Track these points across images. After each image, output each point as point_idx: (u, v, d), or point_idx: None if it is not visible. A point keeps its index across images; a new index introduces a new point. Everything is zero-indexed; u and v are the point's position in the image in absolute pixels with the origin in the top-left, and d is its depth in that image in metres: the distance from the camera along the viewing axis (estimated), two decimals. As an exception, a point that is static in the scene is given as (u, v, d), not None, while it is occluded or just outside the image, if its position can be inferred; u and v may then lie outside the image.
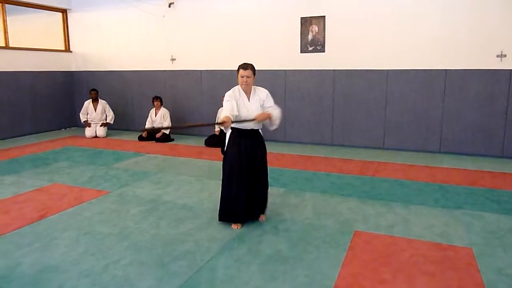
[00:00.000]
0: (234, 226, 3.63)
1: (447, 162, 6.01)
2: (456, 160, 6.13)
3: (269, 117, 3.58)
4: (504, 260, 3.01)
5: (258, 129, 3.69)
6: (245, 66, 3.56)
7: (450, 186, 4.84)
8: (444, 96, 6.51)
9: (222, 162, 3.73)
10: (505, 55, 6.08)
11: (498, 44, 6.10)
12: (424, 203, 4.24)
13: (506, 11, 5.98)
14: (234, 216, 3.62)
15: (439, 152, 6.68)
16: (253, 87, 3.66)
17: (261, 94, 3.67)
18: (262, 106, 3.65)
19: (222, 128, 3.81)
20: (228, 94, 3.58)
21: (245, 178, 3.58)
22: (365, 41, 6.85)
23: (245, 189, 3.58)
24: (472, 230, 3.55)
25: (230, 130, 3.66)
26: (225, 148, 3.72)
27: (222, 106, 7.54)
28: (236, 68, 3.58)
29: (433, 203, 4.26)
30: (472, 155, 6.47)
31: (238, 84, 3.65)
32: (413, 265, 2.94)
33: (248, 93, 3.64)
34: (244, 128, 3.60)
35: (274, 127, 3.69)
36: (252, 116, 3.52)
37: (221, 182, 3.72)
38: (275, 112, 3.63)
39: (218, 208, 3.73)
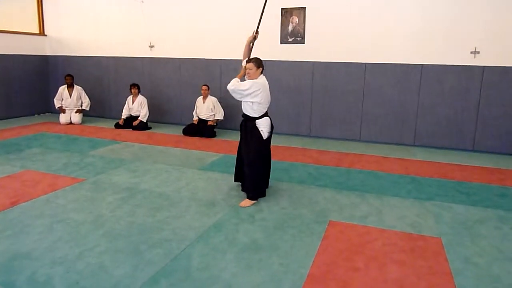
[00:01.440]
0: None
1: (420, 155, 6.17)
2: (429, 153, 6.30)
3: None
4: (471, 249, 3.14)
5: (252, 116, 4.03)
6: (248, 60, 4.01)
7: (422, 178, 4.98)
8: (420, 91, 6.66)
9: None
10: (478, 52, 6.25)
11: (472, 41, 6.26)
12: (397, 195, 4.36)
13: (481, 10, 6.13)
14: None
15: (413, 145, 6.85)
16: (260, 76, 4.02)
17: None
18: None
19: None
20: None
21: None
22: (344, 34, 6.91)
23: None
24: (441, 221, 3.68)
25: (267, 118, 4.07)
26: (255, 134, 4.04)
27: (200, 95, 7.56)
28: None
29: (405, 194, 4.38)
30: (444, 148, 6.66)
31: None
32: (385, 254, 3.03)
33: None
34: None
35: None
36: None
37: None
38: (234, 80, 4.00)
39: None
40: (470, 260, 2.96)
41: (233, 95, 3.94)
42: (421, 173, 5.18)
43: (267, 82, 4.03)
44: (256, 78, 3.95)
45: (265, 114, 4.04)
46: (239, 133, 4.23)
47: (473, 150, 6.53)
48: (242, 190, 4.25)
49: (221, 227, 3.43)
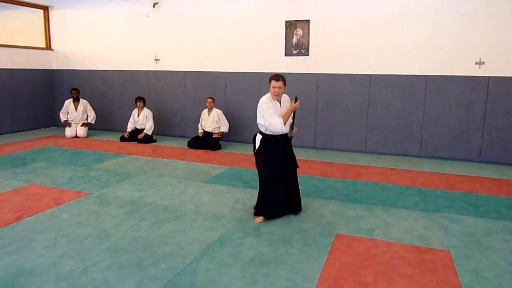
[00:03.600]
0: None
1: (427, 166, 6.12)
2: (435, 164, 6.25)
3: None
4: (481, 262, 3.08)
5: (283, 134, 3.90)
6: (276, 78, 3.77)
7: (429, 189, 4.93)
8: (425, 101, 6.63)
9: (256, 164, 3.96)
10: (483, 63, 6.23)
11: (477, 52, 6.25)
12: (404, 207, 4.31)
13: (485, 21, 6.13)
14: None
15: (419, 156, 6.79)
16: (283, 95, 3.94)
17: (283, 101, 3.96)
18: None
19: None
20: (266, 102, 3.82)
21: (282, 179, 3.95)
22: (349, 46, 6.93)
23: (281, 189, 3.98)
24: (450, 233, 3.62)
25: (260, 136, 3.93)
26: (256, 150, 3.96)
27: (205, 108, 7.58)
28: (268, 79, 3.81)
29: (412, 206, 4.33)
30: (450, 159, 6.60)
31: (269, 93, 3.85)
32: (393, 267, 2.98)
33: (279, 101, 3.90)
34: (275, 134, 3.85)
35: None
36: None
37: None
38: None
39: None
40: (480, 274, 2.90)
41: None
42: (428, 185, 5.12)
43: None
44: (281, 97, 3.90)
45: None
46: (251, 148, 4.13)
47: (480, 161, 6.46)
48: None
49: (226, 241, 3.39)
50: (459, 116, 6.48)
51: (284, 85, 3.80)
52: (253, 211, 3.99)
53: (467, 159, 6.53)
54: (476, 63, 6.26)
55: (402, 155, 6.88)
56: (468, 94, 6.37)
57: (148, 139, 7.88)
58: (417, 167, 6.06)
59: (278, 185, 3.89)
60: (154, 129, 8.05)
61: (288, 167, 3.99)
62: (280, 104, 3.88)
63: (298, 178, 4.12)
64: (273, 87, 3.75)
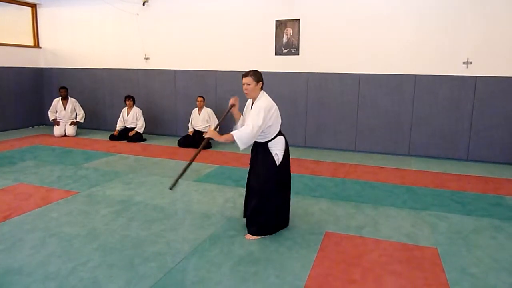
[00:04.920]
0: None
1: (415, 165, 6.18)
2: (424, 163, 6.32)
3: (224, 139, 3.30)
4: (468, 259, 3.13)
5: (260, 141, 3.43)
6: (245, 73, 3.37)
7: (417, 188, 4.98)
8: (414, 101, 6.70)
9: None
10: (470, 62, 6.31)
11: (464, 52, 6.33)
12: (393, 205, 4.35)
13: (473, 21, 6.21)
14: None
15: (408, 155, 6.86)
16: (260, 93, 3.42)
17: (256, 103, 3.37)
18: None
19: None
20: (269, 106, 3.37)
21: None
22: (339, 45, 6.97)
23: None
24: (437, 231, 3.67)
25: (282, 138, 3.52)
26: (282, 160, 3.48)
27: (196, 107, 7.57)
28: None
29: (401, 204, 4.37)
30: (439, 158, 6.68)
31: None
32: (381, 265, 3.02)
33: (254, 100, 3.44)
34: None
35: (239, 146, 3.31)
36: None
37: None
38: (238, 132, 3.26)
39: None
40: (466, 271, 2.95)
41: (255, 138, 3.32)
42: (417, 183, 5.18)
43: (270, 98, 3.44)
44: (256, 96, 3.39)
45: (279, 133, 3.48)
46: (244, 152, 3.72)
47: (467, 160, 6.55)
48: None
49: (216, 240, 3.40)
50: (447, 115, 6.55)
51: (257, 80, 3.35)
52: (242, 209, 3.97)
53: (456, 158, 6.61)
54: (464, 62, 6.34)
55: (391, 154, 6.94)
56: (456, 94, 6.45)
57: (138, 138, 7.84)
58: (406, 166, 6.12)
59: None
60: (145, 128, 8.02)
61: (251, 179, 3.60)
62: (251, 105, 3.43)
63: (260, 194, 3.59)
64: (242, 84, 3.38)
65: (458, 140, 6.56)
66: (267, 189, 3.42)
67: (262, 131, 3.33)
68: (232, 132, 3.28)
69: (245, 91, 3.38)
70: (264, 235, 3.45)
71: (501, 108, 6.26)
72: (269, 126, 3.36)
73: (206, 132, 7.36)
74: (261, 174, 3.44)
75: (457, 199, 4.58)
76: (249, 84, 3.35)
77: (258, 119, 3.24)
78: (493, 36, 6.15)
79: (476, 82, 6.33)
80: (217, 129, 3.78)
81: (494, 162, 6.40)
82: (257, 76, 3.37)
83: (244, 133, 3.23)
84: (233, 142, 3.28)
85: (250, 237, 3.44)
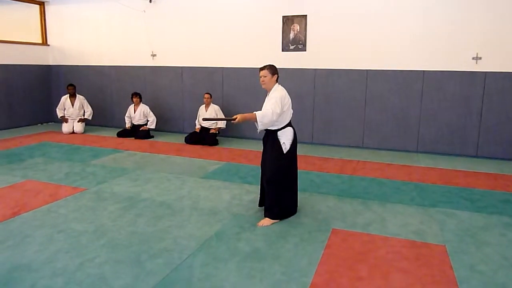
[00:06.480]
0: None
1: (424, 162, 6.13)
2: (432, 160, 6.26)
3: (249, 118, 3.54)
4: (476, 257, 3.09)
5: (271, 129, 3.71)
6: (262, 67, 3.69)
7: (426, 184, 4.94)
8: (422, 97, 6.64)
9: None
10: (480, 58, 6.23)
11: (474, 47, 6.25)
12: (401, 202, 4.32)
13: (482, 16, 6.12)
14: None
15: (416, 151, 6.81)
16: (276, 85, 3.71)
17: (271, 94, 3.68)
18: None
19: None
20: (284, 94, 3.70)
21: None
22: (346, 41, 6.92)
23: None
24: (446, 228, 3.63)
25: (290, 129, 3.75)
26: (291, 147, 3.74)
27: (203, 104, 7.58)
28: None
29: (409, 201, 4.34)
30: (447, 154, 6.61)
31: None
32: (389, 262, 2.99)
33: (269, 92, 3.74)
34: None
35: (259, 128, 3.61)
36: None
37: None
38: (260, 113, 3.52)
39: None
40: (475, 268, 2.92)
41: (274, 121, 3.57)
42: (425, 180, 5.14)
43: (284, 90, 3.72)
44: (272, 87, 3.68)
45: (288, 124, 3.72)
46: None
47: (476, 156, 6.48)
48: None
49: (223, 236, 3.40)
50: (456, 111, 6.48)
51: (272, 73, 3.66)
52: (250, 206, 3.98)
53: (464, 154, 6.55)
54: (473, 58, 6.26)
55: (399, 150, 6.89)
56: (465, 90, 6.38)
57: (145, 135, 7.87)
58: (414, 162, 6.07)
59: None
60: (156, 123, 8.06)
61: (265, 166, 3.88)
62: (267, 95, 3.74)
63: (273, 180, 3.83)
64: (259, 77, 3.71)
65: (467, 136, 6.50)
66: (276, 175, 3.67)
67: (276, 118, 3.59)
68: (255, 112, 3.51)
69: (262, 83, 3.69)
70: (280, 218, 3.71)
71: (511, 104, 6.18)
72: (283, 112, 3.63)
73: (213, 129, 7.38)
74: (272, 162, 3.71)
75: (466, 196, 4.53)
76: (265, 77, 3.66)
77: (277, 106, 3.52)
78: (503, 31, 6.06)
79: (485, 78, 6.25)
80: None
81: (503, 159, 6.33)
82: (272, 69, 3.69)
83: (266, 115, 3.50)
84: (255, 121, 3.51)
85: (266, 221, 3.65)
